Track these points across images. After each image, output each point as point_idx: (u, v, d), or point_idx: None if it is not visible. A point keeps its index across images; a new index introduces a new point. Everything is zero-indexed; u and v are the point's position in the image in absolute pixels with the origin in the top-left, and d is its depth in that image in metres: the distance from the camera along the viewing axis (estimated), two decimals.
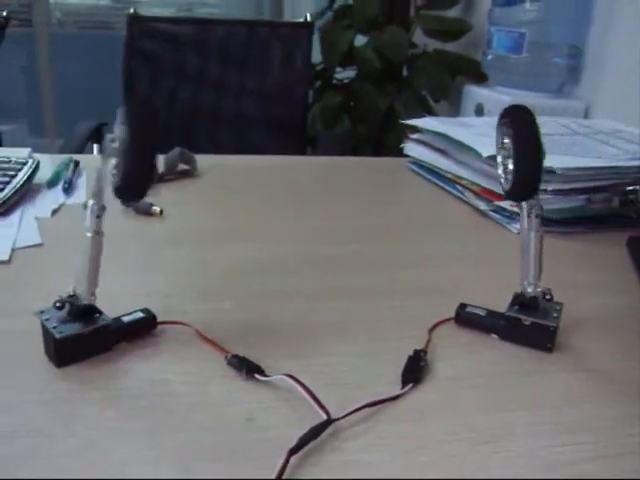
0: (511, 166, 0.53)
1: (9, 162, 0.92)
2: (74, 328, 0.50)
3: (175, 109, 1.82)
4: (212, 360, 0.52)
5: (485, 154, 0.91)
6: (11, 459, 0.41)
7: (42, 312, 0.51)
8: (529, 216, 0.56)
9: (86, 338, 0.50)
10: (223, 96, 1.83)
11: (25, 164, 0.92)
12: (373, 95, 2.30)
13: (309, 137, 1.95)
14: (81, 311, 0.50)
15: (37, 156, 0.97)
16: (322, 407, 0.45)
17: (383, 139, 2.24)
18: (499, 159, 0.56)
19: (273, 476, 0.39)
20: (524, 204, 0.56)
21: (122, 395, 0.48)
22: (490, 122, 1.18)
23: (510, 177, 0.53)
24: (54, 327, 0.49)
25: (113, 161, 0.46)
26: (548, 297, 0.57)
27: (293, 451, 0.41)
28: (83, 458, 0.41)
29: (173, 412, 0.46)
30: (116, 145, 0.45)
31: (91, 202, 0.49)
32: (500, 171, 0.56)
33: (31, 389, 0.48)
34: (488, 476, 0.42)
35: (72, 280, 0.51)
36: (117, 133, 0.46)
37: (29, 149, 1.06)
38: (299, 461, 0.41)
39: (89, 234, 0.50)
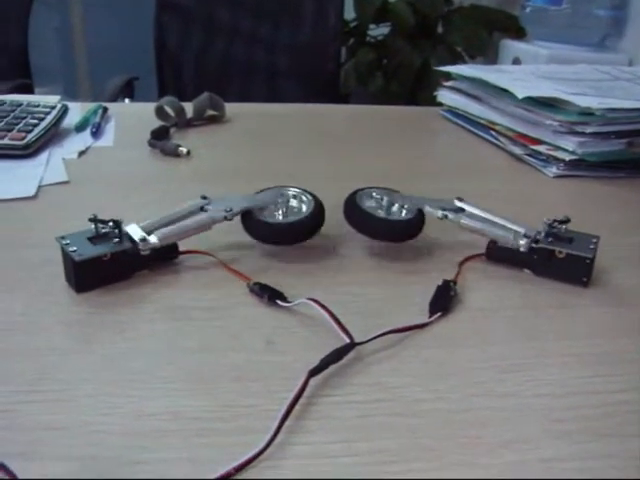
0: None
1: (38, 106, 0.92)
2: (94, 251, 0.49)
3: (206, 63, 1.80)
4: (234, 287, 0.51)
5: (521, 96, 0.88)
6: (34, 373, 0.40)
7: (63, 237, 0.50)
8: None
9: (106, 263, 0.49)
10: (255, 50, 1.81)
11: (54, 108, 0.92)
12: (407, 52, 2.26)
13: (342, 95, 1.92)
14: (106, 238, 0.50)
15: (67, 104, 0.96)
16: (345, 331, 0.43)
17: (417, 96, 2.20)
18: None
19: (292, 395, 0.38)
20: None
21: (141, 319, 0.47)
22: (528, 69, 1.14)
23: None
24: (73, 251, 0.48)
25: None
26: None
27: (313, 372, 0.39)
28: (102, 372, 0.41)
29: (191, 335, 0.45)
30: None
31: None
32: None
33: (51, 312, 0.47)
34: (516, 402, 0.40)
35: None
36: None
37: (59, 96, 1.05)
38: (320, 382, 0.40)
39: (206, 216, 0.55)
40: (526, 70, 1.13)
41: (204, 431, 0.36)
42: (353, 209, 0.58)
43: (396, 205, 0.59)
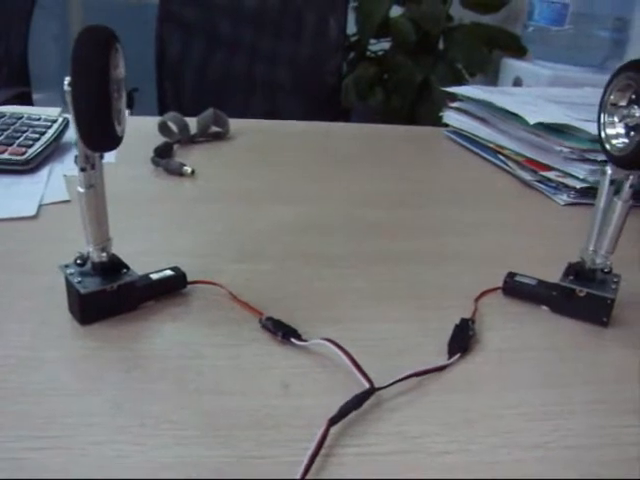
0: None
1: (39, 120, 0.90)
2: (99, 283, 0.47)
3: (207, 76, 1.78)
4: (245, 322, 0.49)
5: (532, 122, 0.86)
6: (40, 415, 0.38)
7: (67, 266, 0.48)
8: (623, 186, 0.51)
9: (112, 294, 0.47)
10: (256, 64, 1.79)
11: (55, 122, 0.90)
12: (408, 67, 2.25)
13: (342, 109, 1.91)
14: (106, 266, 0.47)
15: (67, 116, 0.94)
16: (365, 375, 0.41)
17: (417, 112, 2.19)
18: (607, 118, 0.51)
19: (312, 445, 0.36)
20: (621, 172, 0.51)
21: (149, 356, 0.45)
22: (534, 92, 1.13)
23: (629, 140, 0.48)
24: (79, 282, 0.46)
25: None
26: (607, 270, 0.53)
27: (334, 420, 0.37)
28: (110, 417, 0.38)
29: (204, 375, 0.43)
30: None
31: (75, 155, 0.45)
32: (610, 132, 0.51)
33: (56, 346, 0.45)
34: (544, 454, 0.38)
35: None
36: None
37: (60, 109, 1.03)
38: (340, 430, 0.38)
39: (81, 190, 0.46)
40: (533, 93, 1.12)
41: None
42: None
43: None
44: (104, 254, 0.47)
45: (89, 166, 0.45)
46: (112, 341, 0.46)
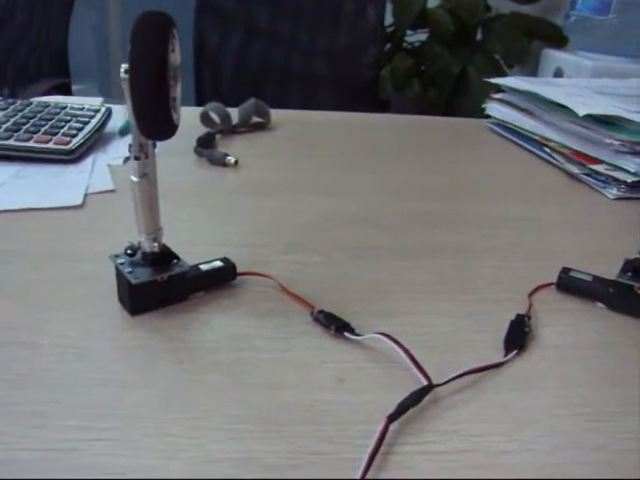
0: None
1: (82, 109, 0.90)
2: (150, 274, 0.46)
3: (244, 67, 1.78)
4: (296, 315, 0.48)
5: (582, 113, 0.84)
6: (92, 406, 0.38)
7: (117, 256, 0.47)
8: None
9: (162, 285, 0.47)
10: (293, 54, 1.78)
11: (98, 112, 0.90)
12: (445, 59, 2.22)
13: (381, 101, 1.89)
14: (157, 257, 0.47)
15: (110, 106, 0.94)
16: (422, 371, 0.40)
17: (454, 104, 2.17)
18: None
19: (371, 442, 0.35)
20: None
21: (200, 348, 0.44)
22: (580, 83, 1.10)
23: None
24: (129, 272, 0.46)
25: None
26: None
27: (392, 417, 0.36)
28: (163, 409, 0.38)
29: (256, 368, 0.42)
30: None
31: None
32: None
33: (106, 337, 0.45)
34: (607, 457, 0.37)
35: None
36: None
37: (101, 99, 1.04)
38: (397, 427, 0.37)
39: (134, 178, 0.45)
40: (579, 84, 1.10)
41: None
42: None
43: None
44: (155, 244, 0.47)
45: (143, 155, 0.44)
46: (162, 332, 0.45)
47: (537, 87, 1.00)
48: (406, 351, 0.41)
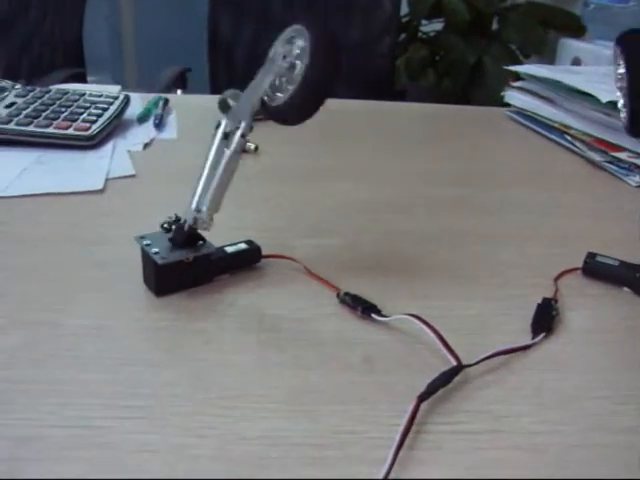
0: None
1: (100, 96, 0.90)
2: (177, 255, 0.46)
3: (258, 56, 1.77)
4: (322, 297, 0.48)
5: (605, 100, 0.83)
6: (121, 385, 0.38)
7: (142, 237, 0.47)
8: None
9: (188, 266, 0.46)
10: None
11: (116, 99, 0.89)
12: (460, 48, 2.21)
13: (396, 91, 1.88)
14: (185, 237, 0.47)
15: (128, 93, 0.94)
16: (452, 352, 0.40)
17: (470, 95, 2.15)
18: (618, 94, 0.50)
19: (402, 421, 0.34)
20: None
21: (226, 329, 0.44)
22: (600, 70, 1.09)
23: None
24: (155, 253, 0.45)
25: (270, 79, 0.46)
26: None
27: (423, 397, 0.36)
28: (191, 388, 0.38)
29: (284, 349, 0.42)
30: (285, 64, 0.45)
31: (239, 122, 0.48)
32: (620, 105, 0.50)
33: (133, 317, 0.45)
34: (636, 439, 0.36)
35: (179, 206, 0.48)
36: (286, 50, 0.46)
37: (119, 86, 1.04)
38: (428, 407, 0.37)
39: (231, 153, 0.47)
40: (599, 72, 1.08)
41: (309, 460, 0.33)
42: None
43: None
44: (210, 223, 0.47)
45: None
46: (188, 313, 0.45)
47: (557, 74, 0.99)
48: (436, 332, 0.41)
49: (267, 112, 0.49)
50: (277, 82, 0.48)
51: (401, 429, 0.34)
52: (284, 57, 0.48)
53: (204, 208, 0.47)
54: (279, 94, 0.48)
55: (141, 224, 0.50)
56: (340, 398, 0.38)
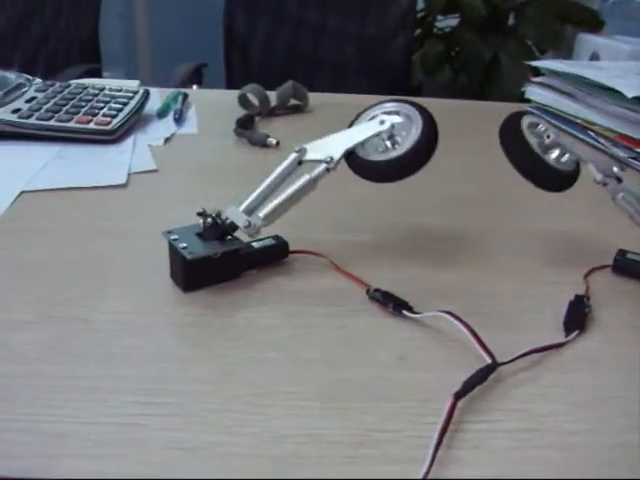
0: None
1: (120, 91, 0.89)
2: (205, 250, 0.45)
3: (273, 52, 1.77)
4: (352, 293, 0.47)
5: (631, 95, 0.82)
6: (151, 381, 0.38)
7: (170, 232, 0.47)
8: None
9: (216, 262, 0.46)
10: (322, 40, 1.76)
11: (136, 93, 0.89)
12: (476, 44, 2.19)
13: (412, 87, 1.87)
14: (214, 230, 0.46)
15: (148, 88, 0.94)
16: (486, 350, 0.39)
17: (486, 91, 2.14)
18: None
19: (439, 420, 0.34)
20: None
21: (254, 325, 0.43)
22: (624, 66, 1.08)
23: None
24: (183, 247, 0.45)
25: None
26: None
27: (459, 395, 0.36)
28: (223, 385, 0.37)
29: (313, 346, 0.41)
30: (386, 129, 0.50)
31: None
32: None
33: (161, 313, 0.44)
34: None
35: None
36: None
37: (138, 81, 1.03)
38: (463, 405, 0.36)
39: (309, 176, 0.50)
40: (621, 67, 1.07)
41: (345, 459, 0.33)
42: (513, 137, 0.53)
43: (557, 150, 0.52)
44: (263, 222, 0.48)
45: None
46: (216, 309, 0.45)
47: (579, 69, 0.97)
48: (470, 329, 0.40)
49: (356, 163, 0.52)
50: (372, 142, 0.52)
51: (439, 427, 0.33)
52: (382, 122, 0.51)
53: (261, 215, 0.47)
54: (375, 151, 0.51)
55: (165, 218, 0.50)
56: (373, 395, 0.37)
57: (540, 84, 1.07)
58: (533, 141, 0.52)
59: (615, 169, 0.52)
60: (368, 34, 1.76)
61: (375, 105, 0.53)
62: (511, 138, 0.51)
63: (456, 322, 0.41)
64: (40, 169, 0.68)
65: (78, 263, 0.50)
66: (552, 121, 1.01)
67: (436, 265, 0.53)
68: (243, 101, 0.93)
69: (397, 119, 0.52)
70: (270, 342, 0.42)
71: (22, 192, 0.62)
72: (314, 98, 1.01)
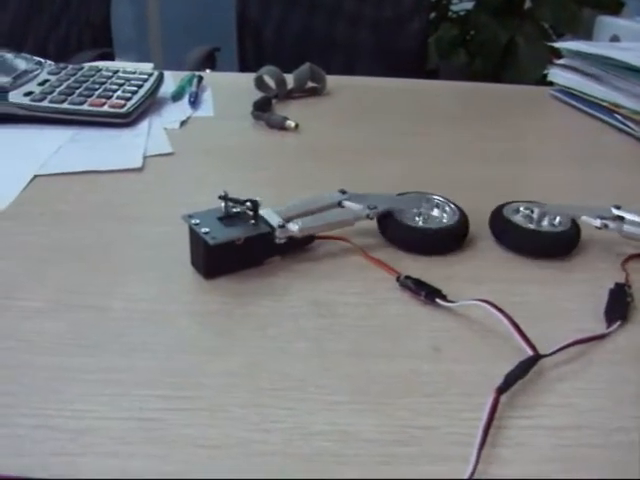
0: None
1: (134, 73, 0.87)
2: (228, 235, 0.43)
3: (286, 35, 1.74)
4: (380, 280, 0.45)
5: None
6: (174, 374, 0.36)
7: (190, 216, 0.45)
8: None
9: (239, 247, 0.44)
10: (336, 23, 1.73)
11: (150, 76, 0.87)
12: (492, 28, 2.15)
13: (428, 71, 1.84)
14: (237, 215, 0.44)
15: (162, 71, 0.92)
16: (528, 341, 0.37)
17: (502, 75, 2.10)
18: None
19: (483, 415, 0.32)
20: None
21: (280, 314, 0.41)
22: None
23: None
24: (206, 233, 0.43)
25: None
26: None
27: (502, 389, 0.33)
28: (251, 378, 0.35)
29: (343, 336, 0.39)
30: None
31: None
32: None
33: (181, 301, 0.42)
34: None
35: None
36: None
37: (152, 64, 1.01)
38: (506, 401, 0.34)
39: (348, 215, 0.50)
40: None
41: (384, 457, 0.31)
42: (502, 223, 0.51)
43: (547, 218, 0.52)
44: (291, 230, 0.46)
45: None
46: (240, 297, 0.43)
47: (604, 50, 0.94)
48: (510, 319, 0.38)
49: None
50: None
51: (482, 424, 0.31)
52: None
53: (297, 225, 0.46)
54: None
55: (183, 202, 0.48)
56: (408, 389, 0.35)
57: (563, 66, 1.04)
58: (521, 221, 0.51)
59: (613, 210, 0.52)
60: (384, 17, 1.73)
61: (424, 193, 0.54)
62: (501, 226, 0.51)
63: (495, 311, 0.38)
64: (54, 153, 0.66)
65: (93, 249, 0.48)
66: (577, 104, 0.98)
67: (466, 251, 0.50)
68: (259, 83, 0.91)
69: (436, 208, 0.53)
70: (296, 332, 0.40)
71: (35, 176, 0.60)
72: (330, 80, 0.98)
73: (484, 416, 0.32)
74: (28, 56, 0.88)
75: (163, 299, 0.42)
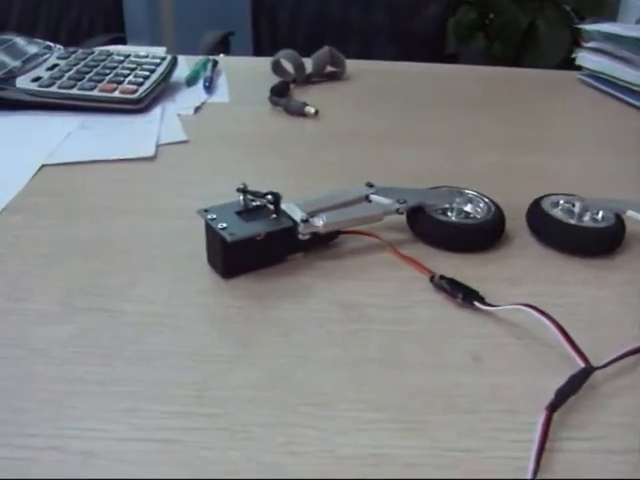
0: None
1: (146, 57, 0.84)
2: (247, 230, 0.40)
3: (301, 19, 1.70)
4: (413, 281, 0.41)
5: None
6: (191, 387, 0.32)
7: (206, 211, 0.41)
8: None
9: (260, 244, 0.40)
10: (351, 7, 1.69)
11: (163, 60, 0.84)
12: (512, 11, 2.10)
13: (446, 55, 1.80)
14: (256, 208, 0.41)
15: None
16: (579, 351, 0.34)
17: (522, 59, 2.05)
18: None
19: (534, 436, 0.28)
20: None
21: (304, 317, 0.38)
22: None
23: None
24: (223, 228, 0.40)
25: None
26: None
27: (554, 407, 0.30)
28: (274, 392, 0.32)
29: (374, 343, 0.36)
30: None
31: None
32: None
33: (197, 304, 0.39)
34: None
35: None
36: None
37: (164, 48, 0.98)
38: (557, 419, 0.31)
39: (376, 211, 0.46)
40: None
41: None
42: (541, 218, 0.48)
43: (589, 212, 0.48)
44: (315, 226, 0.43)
45: None
46: (260, 299, 0.40)
47: (636, 32, 0.90)
48: (559, 326, 0.34)
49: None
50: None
51: (535, 448, 0.28)
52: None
53: (322, 220, 0.42)
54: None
55: (198, 194, 0.46)
56: (447, 405, 0.32)
57: (592, 49, 0.99)
58: (561, 216, 0.47)
59: None
60: (400, 1, 1.68)
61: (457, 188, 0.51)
62: (540, 222, 0.48)
63: (540, 317, 0.35)
64: (62, 141, 0.63)
65: (103, 245, 0.45)
66: (608, 89, 0.94)
67: (500, 248, 0.47)
68: (276, 68, 0.87)
69: (469, 203, 0.49)
70: (323, 338, 0.36)
71: (43, 165, 0.57)
72: (349, 65, 0.94)
73: (536, 437, 0.28)
74: (38, 40, 0.85)
75: (179, 302, 0.39)
